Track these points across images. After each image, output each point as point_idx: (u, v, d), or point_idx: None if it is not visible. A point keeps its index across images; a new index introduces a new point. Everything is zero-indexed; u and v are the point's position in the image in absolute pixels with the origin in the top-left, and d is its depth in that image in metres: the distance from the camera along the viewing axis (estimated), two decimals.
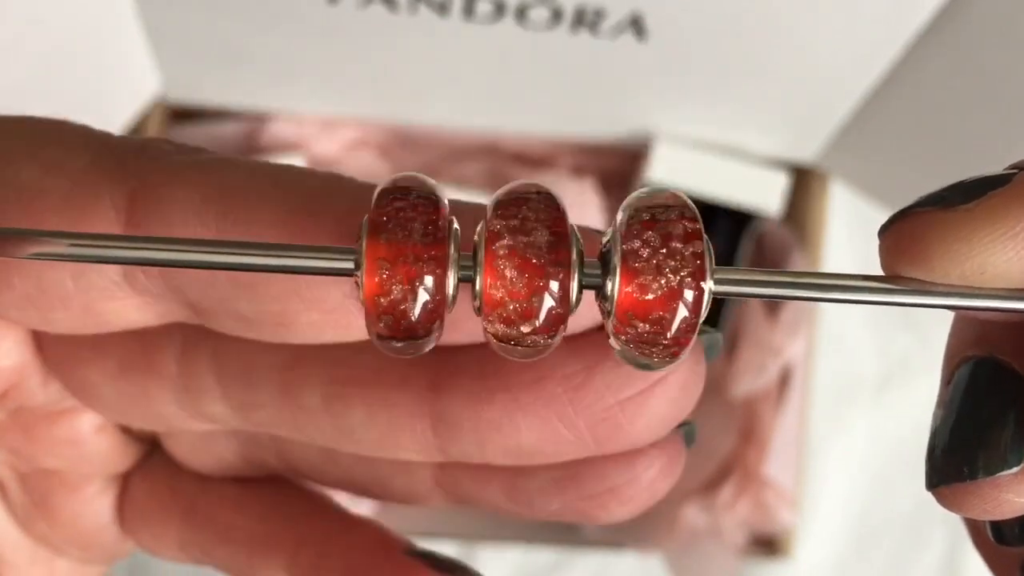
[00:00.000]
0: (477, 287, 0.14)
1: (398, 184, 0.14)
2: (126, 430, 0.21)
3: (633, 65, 0.48)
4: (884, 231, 0.15)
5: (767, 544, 0.58)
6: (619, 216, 0.14)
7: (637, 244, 0.14)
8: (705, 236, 0.14)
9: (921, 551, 0.62)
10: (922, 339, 0.63)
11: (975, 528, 0.17)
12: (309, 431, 0.19)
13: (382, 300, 0.14)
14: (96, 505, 0.21)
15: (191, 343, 0.19)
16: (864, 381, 0.62)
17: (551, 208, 0.14)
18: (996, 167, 0.15)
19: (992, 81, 0.42)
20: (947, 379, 0.16)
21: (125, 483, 0.22)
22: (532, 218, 0.14)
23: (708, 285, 0.14)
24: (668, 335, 0.14)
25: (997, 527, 0.16)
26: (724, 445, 0.57)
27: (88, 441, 0.21)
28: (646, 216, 0.14)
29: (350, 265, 0.14)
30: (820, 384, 0.61)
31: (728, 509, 0.56)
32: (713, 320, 0.58)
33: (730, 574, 0.57)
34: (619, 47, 0.46)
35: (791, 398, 0.57)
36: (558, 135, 0.58)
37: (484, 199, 0.15)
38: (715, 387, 0.58)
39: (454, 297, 0.14)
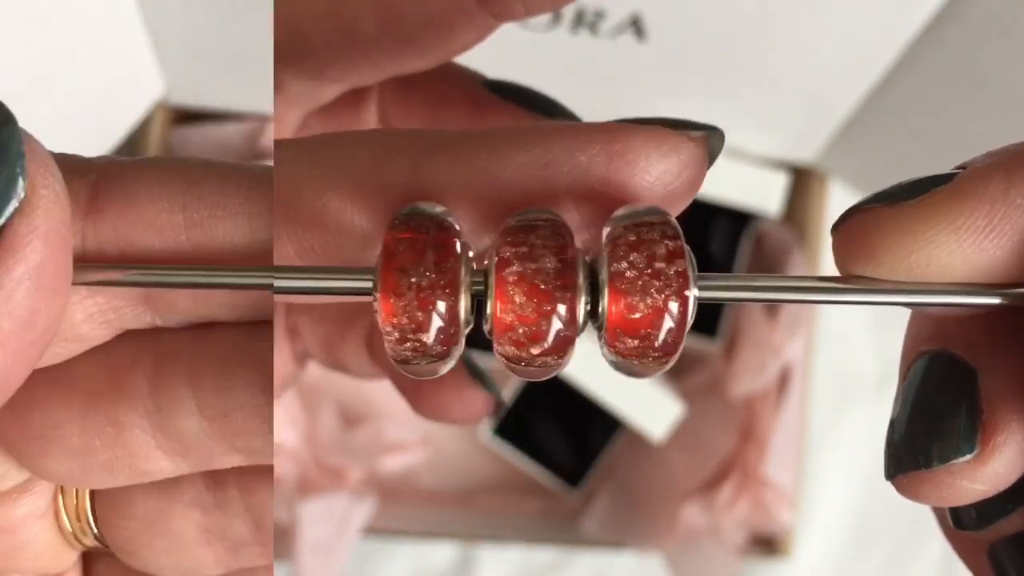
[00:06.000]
0: (488, 311, 0.14)
1: (411, 211, 0.15)
2: (62, 529, 0.19)
3: (633, 65, 0.48)
4: (835, 229, 0.15)
5: (767, 544, 0.58)
6: (604, 235, 0.15)
7: (624, 266, 0.14)
8: (687, 249, 0.15)
9: (920, 550, 0.63)
10: None
11: (942, 515, 0.18)
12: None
13: (400, 324, 0.14)
14: None
15: (163, 359, 0.17)
16: (864, 381, 0.62)
17: (558, 235, 0.15)
18: None
19: (991, 81, 0.42)
20: (904, 373, 0.16)
21: None
22: (540, 245, 0.15)
23: (691, 297, 0.14)
24: (656, 346, 0.14)
25: (956, 513, 0.17)
26: (724, 445, 0.58)
27: (25, 529, 0.18)
28: (632, 237, 0.15)
29: (369, 284, 0.15)
30: (819, 384, 0.61)
31: (728, 509, 0.56)
32: (713, 320, 0.58)
33: (730, 574, 0.57)
34: (619, 47, 0.46)
35: (790, 398, 0.57)
36: None
37: None
38: (715, 387, 0.58)
39: (467, 320, 0.15)
